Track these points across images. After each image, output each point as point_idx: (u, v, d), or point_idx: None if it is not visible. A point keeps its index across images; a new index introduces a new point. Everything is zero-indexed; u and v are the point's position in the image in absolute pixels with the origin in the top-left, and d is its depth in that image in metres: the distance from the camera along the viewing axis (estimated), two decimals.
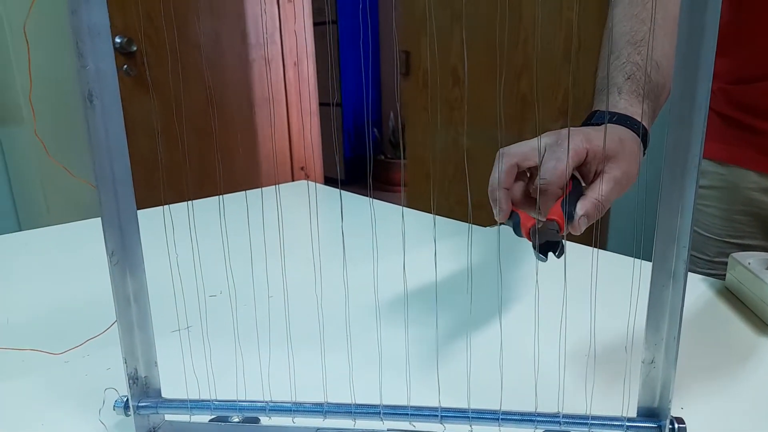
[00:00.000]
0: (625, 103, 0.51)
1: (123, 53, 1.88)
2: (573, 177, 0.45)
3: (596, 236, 0.43)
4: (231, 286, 0.43)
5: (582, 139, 0.45)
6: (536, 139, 0.46)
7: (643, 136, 0.50)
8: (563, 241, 0.40)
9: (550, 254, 0.41)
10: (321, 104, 2.76)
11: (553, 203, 0.43)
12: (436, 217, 0.80)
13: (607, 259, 0.68)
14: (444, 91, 1.83)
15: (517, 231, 0.43)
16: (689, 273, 0.32)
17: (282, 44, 2.46)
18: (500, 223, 0.45)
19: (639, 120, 0.50)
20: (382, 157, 4.05)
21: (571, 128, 0.46)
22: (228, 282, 0.43)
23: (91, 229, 0.86)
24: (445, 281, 0.63)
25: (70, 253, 0.80)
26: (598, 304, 0.37)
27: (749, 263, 0.57)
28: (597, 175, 0.45)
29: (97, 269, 0.70)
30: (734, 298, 0.58)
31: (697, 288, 0.61)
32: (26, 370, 0.48)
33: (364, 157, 4.19)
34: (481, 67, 1.73)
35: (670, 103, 0.29)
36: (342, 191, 1.01)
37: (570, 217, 0.41)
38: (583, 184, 0.46)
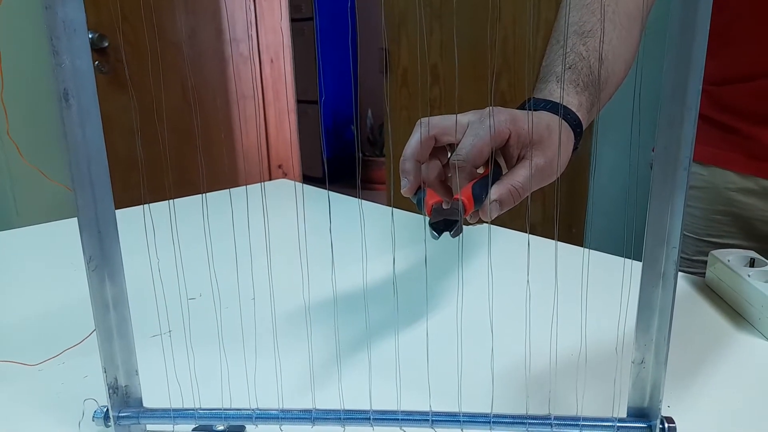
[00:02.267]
0: (562, 92, 0.49)
1: (94, 49, 1.83)
2: (494, 161, 0.42)
3: (586, 236, 0.43)
4: (215, 288, 0.41)
5: (507, 119, 0.41)
6: (461, 114, 0.43)
7: (577, 127, 0.47)
8: (461, 221, 0.37)
9: (445, 233, 0.38)
10: (299, 101, 2.73)
11: (467, 183, 0.40)
12: (419, 216, 0.80)
13: (588, 257, 0.69)
14: (424, 89, 1.83)
15: (420, 207, 0.40)
16: None
17: (258, 41, 2.43)
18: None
19: (572, 109, 0.47)
20: (361, 155, 4.04)
21: (497, 107, 0.43)
22: (211, 284, 0.42)
23: (65, 230, 0.84)
24: (433, 282, 0.63)
25: (42, 256, 0.77)
26: (586, 304, 0.37)
27: (729, 260, 0.57)
28: (519, 160, 0.42)
29: (71, 272, 0.68)
30: (714, 294, 0.59)
31: (678, 285, 0.61)
32: None
33: (342, 156, 4.17)
34: (461, 66, 1.73)
35: (661, 103, 0.29)
36: (323, 190, 1.00)
37: (478, 199, 0.39)
38: (504, 171, 0.43)
